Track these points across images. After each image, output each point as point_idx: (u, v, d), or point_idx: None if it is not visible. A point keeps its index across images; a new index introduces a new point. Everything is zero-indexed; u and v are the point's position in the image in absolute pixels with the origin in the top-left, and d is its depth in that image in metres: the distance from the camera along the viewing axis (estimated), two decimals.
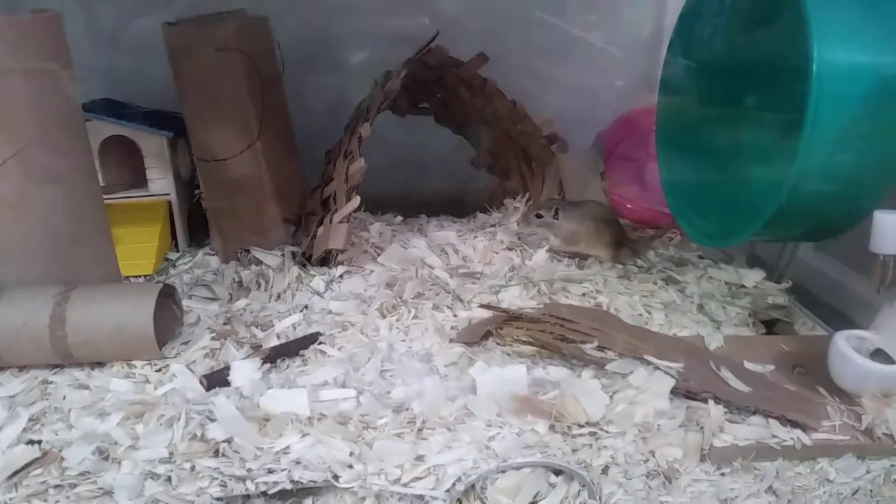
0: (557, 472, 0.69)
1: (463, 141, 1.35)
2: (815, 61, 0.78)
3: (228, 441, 0.68)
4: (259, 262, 1.09)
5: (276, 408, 0.71)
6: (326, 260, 1.06)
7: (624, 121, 1.32)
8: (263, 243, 1.12)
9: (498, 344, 0.83)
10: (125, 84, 1.26)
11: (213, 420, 0.69)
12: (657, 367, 0.75)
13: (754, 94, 1.04)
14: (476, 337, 0.83)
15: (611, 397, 0.73)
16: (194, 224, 1.22)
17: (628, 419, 0.71)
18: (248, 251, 1.12)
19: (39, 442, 0.69)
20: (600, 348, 0.78)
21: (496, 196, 1.33)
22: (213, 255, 1.15)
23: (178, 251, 1.18)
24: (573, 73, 1.46)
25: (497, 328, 0.84)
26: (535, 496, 0.67)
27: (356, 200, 1.01)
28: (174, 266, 1.13)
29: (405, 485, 0.66)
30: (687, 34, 1.05)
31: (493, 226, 1.20)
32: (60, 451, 0.67)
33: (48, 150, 0.80)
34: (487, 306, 0.86)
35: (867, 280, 0.79)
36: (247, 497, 0.66)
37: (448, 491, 0.66)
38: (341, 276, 1.03)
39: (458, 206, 1.33)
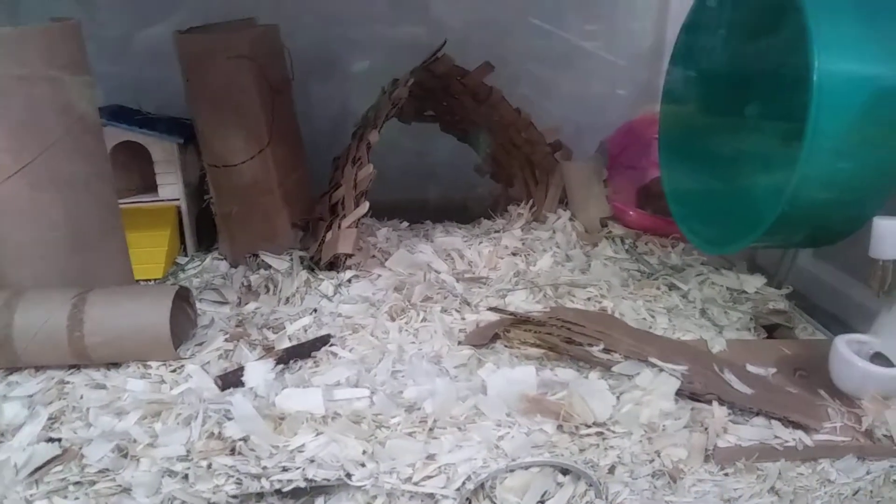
0: (565, 472, 0.70)
1: (465, 148, 1.36)
2: (816, 71, 0.79)
3: (244, 439, 0.69)
4: (268, 267, 1.11)
5: (292, 407, 0.72)
6: (334, 264, 1.07)
7: (626, 129, 1.34)
8: (272, 248, 1.14)
9: (506, 346, 0.85)
10: (132, 91, 1.27)
11: (230, 419, 0.71)
12: (662, 370, 0.76)
13: (756, 103, 1.06)
14: (484, 339, 0.85)
15: (618, 398, 0.75)
16: (201, 229, 1.23)
17: (634, 420, 0.73)
18: (256, 256, 1.14)
19: (59, 440, 0.71)
20: (606, 351, 0.80)
21: (500, 203, 1.35)
22: (222, 259, 1.17)
23: (186, 256, 1.19)
24: (574, 81, 1.48)
25: (504, 331, 0.86)
26: (542, 495, 0.68)
27: (365, 206, 1.03)
28: (183, 270, 1.15)
29: (416, 483, 0.68)
30: (689, 44, 1.07)
31: (498, 232, 1.22)
32: (80, 448, 0.69)
33: (69, 154, 0.82)
34: (496, 309, 0.88)
35: (865, 285, 0.81)
36: (260, 495, 0.68)
37: (458, 490, 0.68)
38: (349, 281, 1.05)
39: (462, 212, 1.34)
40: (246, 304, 1.00)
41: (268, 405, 0.73)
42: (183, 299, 0.85)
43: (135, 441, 0.70)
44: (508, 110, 1.25)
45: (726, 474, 0.71)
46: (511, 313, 0.86)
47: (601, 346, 0.80)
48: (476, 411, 0.73)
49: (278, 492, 0.67)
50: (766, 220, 0.88)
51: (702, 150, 1.11)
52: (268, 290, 1.05)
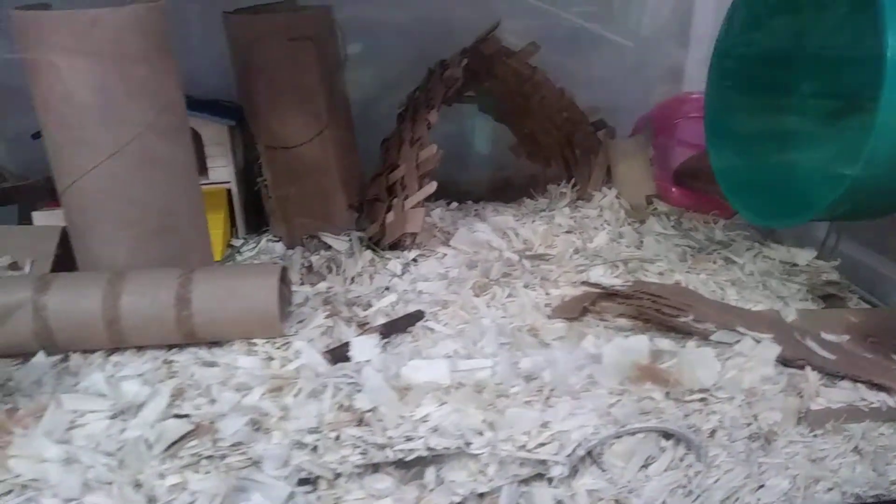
0: (668, 437, 0.73)
1: (497, 129, 1.38)
2: (889, 48, 0.82)
3: (372, 410, 0.71)
4: (328, 248, 1.11)
5: (418, 378, 0.74)
6: (397, 244, 1.09)
7: (662, 109, 1.37)
8: (329, 229, 1.15)
9: (599, 319, 0.87)
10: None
11: (358, 391, 0.72)
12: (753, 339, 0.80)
13: (808, 81, 1.09)
14: (575, 312, 0.87)
15: (722, 365, 0.78)
16: (248, 212, 1.24)
17: (737, 385, 0.77)
18: (314, 237, 1.14)
19: (187, 416, 0.71)
20: (696, 321, 0.83)
21: (538, 183, 1.37)
22: (277, 241, 1.17)
23: (238, 238, 1.19)
24: (596, 62, 1.50)
25: (591, 304, 0.88)
26: (646, 459, 0.71)
27: (432, 185, 1.05)
28: (239, 253, 1.15)
29: (530, 451, 0.70)
30: (739, 20, 1.10)
31: (544, 211, 1.24)
32: (212, 423, 0.70)
33: (161, 137, 0.82)
34: (590, 284, 0.91)
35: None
36: (376, 465, 0.69)
37: (569, 456, 0.70)
38: (415, 260, 1.06)
39: (500, 192, 1.36)
40: (314, 283, 1.01)
41: (392, 377, 0.75)
42: (279, 278, 0.86)
43: (267, 414, 0.71)
44: (551, 90, 1.27)
45: (815, 436, 0.75)
46: (604, 287, 0.89)
47: (691, 317, 0.83)
48: (591, 380, 0.76)
49: (399, 461, 0.68)
50: (830, 194, 0.90)
51: (751, 128, 1.14)
52: (330, 271, 1.06)
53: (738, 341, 0.80)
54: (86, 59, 0.76)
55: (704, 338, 0.82)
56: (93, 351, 0.82)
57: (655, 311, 0.84)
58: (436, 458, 0.69)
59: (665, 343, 0.82)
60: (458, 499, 0.67)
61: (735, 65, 1.15)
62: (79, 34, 0.76)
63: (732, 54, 1.14)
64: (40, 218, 1.06)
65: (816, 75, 1.11)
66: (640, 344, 0.79)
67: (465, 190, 1.35)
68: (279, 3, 1.18)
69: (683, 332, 0.84)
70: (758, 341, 0.80)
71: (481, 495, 0.67)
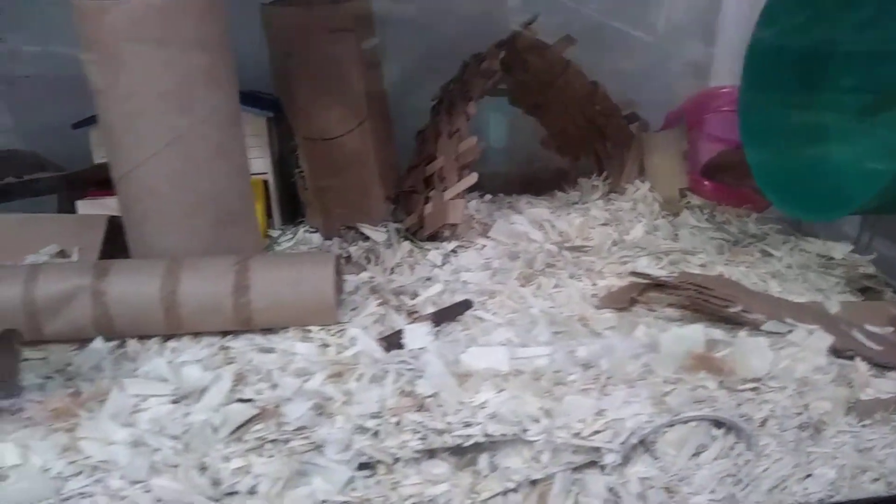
0: (719, 425, 0.74)
1: (518, 123, 1.38)
2: None
3: (433, 396, 0.72)
4: (366, 238, 1.12)
5: (478, 364, 0.75)
6: (435, 235, 1.10)
7: (693, 103, 1.37)
8: (366, 220, 1.16)
9: (650, 309, 0.88)
10: None
11: (420, 377, 0.73)
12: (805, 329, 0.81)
13: (845, 75, 1.10)
14: (623, 302, 0.89)
15: (775, 354, 0.79)
16: (283, 203, 1.25)
17: (790, 375, 0.78)
18: (350, 228, 1.15)
19: (250, 400, 0.72)
20: (745, 312, 0.84)
21: (569, 176, 1.38)
22: (314, 232, 1.18)
23: (274, 229, 1.20)
24: (618, 58, 1.50)
25: (638, 294, 0.89)
26: (697, 448, 0.72)
27: (473, 176, 1.05)
28: (277, 243, 1.16)
29: (584, 438, 0.71)
30: (774, 16, 1.11)
31: (576, 203, 1.25)
32: (277, 407, 0.71)
33: (217, 126, 0.83)
34: (639, 274, 0.92)
35: None
36: (432, 451, 0.70)
37: (622, 443, 0.71)
38: (454, 251, 1.07)
39: (528, 185, 1.36)
40: (357, 273, 1.02)
41: (451, 363, 0.76)
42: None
43: (331, 399, 0.72)
44: (584, 83, 1.28)
45: (864, 426, 0.76)
46: (654, 277, 0.90)
47: (739, 307, 0.84)
48: (647, 368, 0.77)
49: (456, 447, 0.69)
50: (869, 189, 0.91)
51: (786, 123, 1.15)
52: (369, 261, 1.06)
53: (790, 331, 0.81)
54: (147, 46, 0.77)
55: (755, 328, 0.83)
56: (148, 337, 0.83)
57: (704, 301, 0.85)
58: (490, 445, 0.70)
59: (717, 333, 0.83)
60: (512, 485, 0.68)
61: (769, 60, 1.16)
62: (140, 21, 0.77)
63: (767, 50, 1.15)
64: (84, 207, 1.06)
65: (851, 70, 1.12)
66: (695, 333, 0.80)
67: (492, 183, 1.35)
68: None
69: (734, 322, 0.85)
70: (810, 331, 0.81)
71: (534, 482, 0.68)
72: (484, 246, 1.08)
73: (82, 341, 0.82)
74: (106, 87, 0.80)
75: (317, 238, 1.17)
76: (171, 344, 0.83)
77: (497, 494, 0.67)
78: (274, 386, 0.74)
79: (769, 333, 0.82)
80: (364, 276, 1.00)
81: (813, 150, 1.13)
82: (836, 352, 0.82)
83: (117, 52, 0.78)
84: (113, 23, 0.77)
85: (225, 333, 0.84)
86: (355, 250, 1.10)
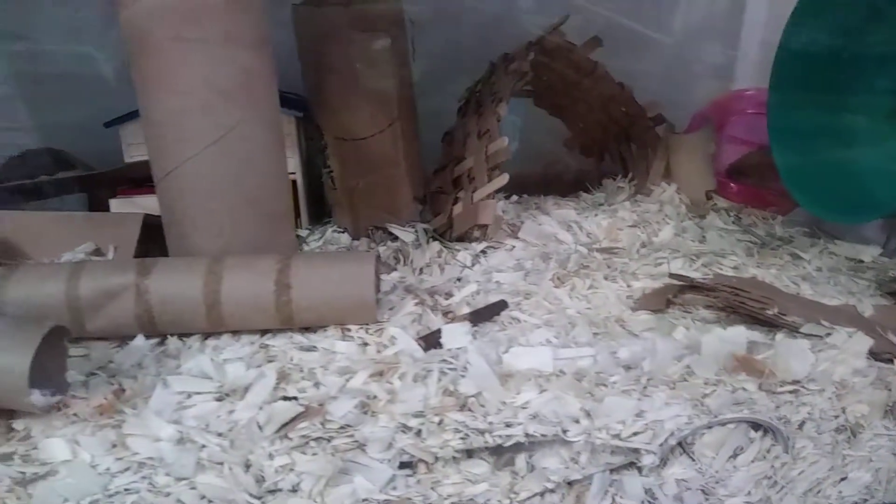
0: (756, 427, 0.74)
1: (550, 123, 1.38)
2: None
3: (476, 396, 0.72)
4: (395, 239, 1.13)
5: (520, 364, 0.75)
6: (463, 236, 1.10)
7: (717, 105, 1.38)
8: (395, 221, 1.16)
9: (685, 311, 0.89)
10: None
11: (463, 376, 0.74)
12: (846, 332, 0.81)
13: (877, 79, 1.10)
14: (660, 304, 0.89)
15: (815, 357, 0.79)
16: (309, 202, 1.25)
17: (828, 377, 0.78)
18: (379, 228, 1.16)
19: (294, 398, 0.73)
20: (781, 314, 0.84)
21: (592, 177, 1.38)
22: (342, 232, 1.18)
23: (302, 229, 1.21)
24: (641, 60, 1.51)
25: (674, 296, 0.90)
26: (735, 450, 0.72)
27: (504, 177, 1.06)
28: (306, 243, 1.16)
29: (624, 439, 0.71)
30: (803, 20, 1.11)
31: (602, 205, 1.25)
32: (322, 405, 0.71)
33: (258, 125, 0.84)
34: (677, 276, 0.92)
35: None
36: (471, 451, 0.71)
37: (661, 445, 0.71)
38: (483, 251, 1.07)
39: (548, 187, 1.36)
40: (387, 273, 1.02)
41: (494, 362, 0.76)
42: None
43: (375, 398, 0.72)
44: (611, 85, 1.28)
45: None
46: (691, 280, 0.90)
47: (776, 310, 0.84)
48: (688, 370, 0.77)
49: (497, 447, 0.69)
50: None
51: (814, 126, 1.15)
52: (398, 261, 1.07)
53: (828, 334, 0.81)
54: (193, 45, 0.77)
55: (793, 330, 0.83)
56: (189, 335, 0.83)
57: (740, 303, 0.85)
58: (528, 445, 0.70)
59: (756, 335, 0.83)
60: (550, 485, 0.68)
61: (798, 62, 1.16)
62: (187, 20, 0.77)
63: (796, 51, 1.15)
64: (117, 205, 1.07)
65: (881, 73, 1.12)
66: (737, 335, 0.80)
67: (516, 184, 1.35)
68: None
69: (770, 325, 0.85)
70: (850, 334, 0.81)
71: (571, 483, 0.68)
72: (513, 247, 1.09)
73: (122, 338, 0.83)
74: (150, 87, 0.81)
75: (345, 238, 1.17)
76: (212, 342, 0.83)
77: (535, 495, 0.67)
78: (317, 384, 0.75)
79: (808, 336, 0.82)
80: (395, 276, 1.00)
81: (841, 153, 1.14)
82: (873, 354, 0.82)
83: (164, 51, 0.78)
84: (159, 21, 0.78)
85: (264, 332, 0.84)
86: (384, 250, 1.10)
